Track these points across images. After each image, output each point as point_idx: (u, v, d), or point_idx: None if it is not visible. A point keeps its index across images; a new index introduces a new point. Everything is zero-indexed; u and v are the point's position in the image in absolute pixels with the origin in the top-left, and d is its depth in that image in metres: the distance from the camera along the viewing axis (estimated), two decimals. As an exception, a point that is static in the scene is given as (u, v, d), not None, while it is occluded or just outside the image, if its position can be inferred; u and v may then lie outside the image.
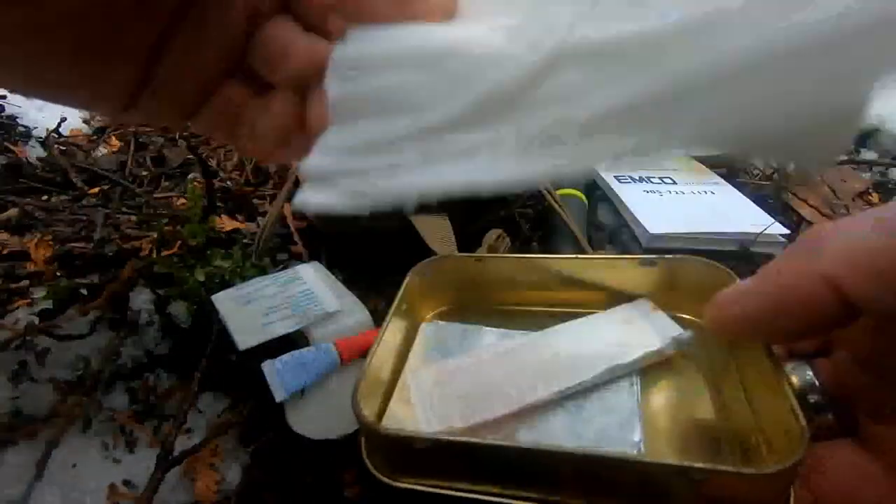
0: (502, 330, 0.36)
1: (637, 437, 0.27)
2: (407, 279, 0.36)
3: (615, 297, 0.36)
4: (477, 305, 0.39)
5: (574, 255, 0.43)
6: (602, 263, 0.38)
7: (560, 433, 0.28)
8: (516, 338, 0.35)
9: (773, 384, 0.25)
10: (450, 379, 0.31)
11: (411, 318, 0.37)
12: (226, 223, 0.53)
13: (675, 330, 0.32)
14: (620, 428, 0.28)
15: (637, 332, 0.33)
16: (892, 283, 0.18)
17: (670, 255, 0.36)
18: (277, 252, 0.53)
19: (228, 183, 0.60)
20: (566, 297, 0.37)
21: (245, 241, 0.53)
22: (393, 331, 0.33)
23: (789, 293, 0.21)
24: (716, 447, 0.27)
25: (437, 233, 0.46)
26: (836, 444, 0.24)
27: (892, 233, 0.19)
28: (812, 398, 0.25)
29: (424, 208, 0.47)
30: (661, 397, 0.30)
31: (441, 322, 0.37)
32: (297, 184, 0.46)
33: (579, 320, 0.35)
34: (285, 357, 0.40)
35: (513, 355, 0.32)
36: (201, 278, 0.46)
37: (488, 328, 0.36)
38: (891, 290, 0.19)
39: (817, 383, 0.25)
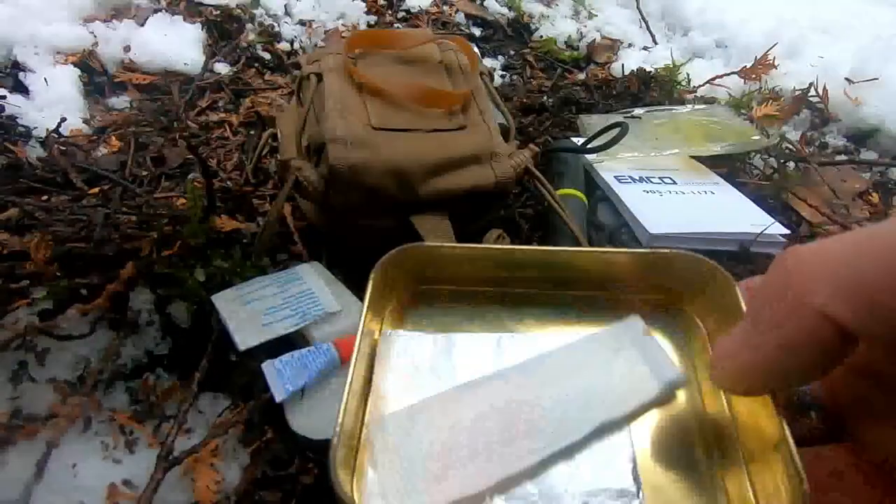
0: (472, 334, 0.33)
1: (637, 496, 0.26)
2: (367, 296, 0.32)
3: (584, 282, 0.35)
4: (439, 292, 0.36)
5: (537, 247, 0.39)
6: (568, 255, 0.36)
7: (555, 492, 0.26)
8: (490, 363, 0.31)
9: (773, 439, 0.24)
10: (424, 443, 0.28)
11: (375, 322, 0.34)
12: (226, 223, 0.53)
13: (670, 370, 0.30)
14: (618, 489, 0.26)
15: (629, 371, 0.31)
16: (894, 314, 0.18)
17: (649, 250, 0.35)
18: (277, 252, 0.53)
19: (228, 183, 0.60)
20: (534, 276, 0.35)
21: (245, 241, 0.53)
22: (360, 365, 0.29)
23: (793, 338, 0.20)
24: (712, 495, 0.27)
25: (437, 232, 0.46)
26: (823, 447, 0.24)
27: (882, 259, 0.18)
28: (798, 398, 0.25)
29: (425, 208, 0.47)
30: (653, 442, 0.29)
31: (404, 332, 0.33)
32: (297, 184, 0.46)
33: (565, 348, 0.32)
34: (285, 357, 0.40)
35: (492, 411, 0.29)
36: (201, 278, 0.46)
37: (457, 333, 0.33)
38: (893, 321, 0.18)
39: (806, 387, 0.25)
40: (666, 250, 0.34)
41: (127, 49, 0.79)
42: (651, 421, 0.29)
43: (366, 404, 0.29)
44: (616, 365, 0.31)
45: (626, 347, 0.32)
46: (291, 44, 0.91)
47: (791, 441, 0.23)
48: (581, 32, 1.07)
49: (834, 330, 0.19)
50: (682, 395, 0.31)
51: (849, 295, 0.19)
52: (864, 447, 0.23)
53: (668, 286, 0.35)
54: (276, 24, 0.92)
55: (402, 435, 0.28)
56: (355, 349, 0.28)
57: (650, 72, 0.91)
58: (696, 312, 0.34)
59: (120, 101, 0.74)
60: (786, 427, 0.24)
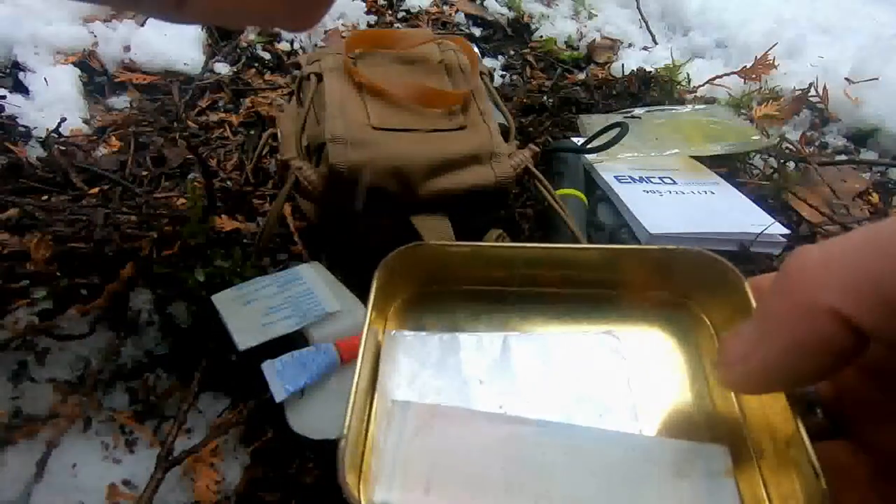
0: (478, 334, 0.33)
1: None
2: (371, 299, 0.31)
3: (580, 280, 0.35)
4: (443, 291, 0.35)
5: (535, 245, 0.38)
6: (565, 252, 0.36)
7: None
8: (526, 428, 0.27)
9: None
10: (431, 447, 0.26)
11: (379, 322, 0.33)
12: (226, 223, 0.53)
13: None
14: None
15: None
16: None
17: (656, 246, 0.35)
18: (277, 252, 0.53)
19: (228, 183, 0.60)
20: (539, 274, 0.35)
21: (245, 241, 0.53)
22: (366, 366, 0.28)
23: (806, 339, 0.20)
24: None
25: (438, 233, 0.46)
26: (827, 444, 0.24)
27: (892, 256, 0.18)
28: (802, 395, 0.25)
29: (425, 208, 0.47)
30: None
31: (409, 332, 0.33)
32: (297, 184, 0.46)
33: (622, 437, 0.28)
34: (285, 357, 0.40)
35: (511, 461, 0.26)
36: (201, 278, 0.46)
37: (462, 333, 0.33)
38: None
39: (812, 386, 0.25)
40: (672, 247, 0.34)
41: (127, 49, 0.79)
42: (659, 418, 0.29)
43: (371, 405, 0.29)
44: (670, 492, 0.25)
45: (694, 477, 0.26)
46: (291, 44, 0.91)
47: (808, 441, 0.23)
48: (581, 32, 1.07)
49: (847, 329, 0.19)
50: (689, 392, 0.30)
51: (861, 294, 0.19)
52: (866, 447, 0.23)
53: (675, 282, 0.34)
54: (276, 24, 0.92)
55: (417, 427, 0.27)
56: (360, 349, 0.28)
57: (650, 72, 0.91)
58: (703, 309, 0.34)
59: (120, 101, 0.74)
60: (801, 428, 0.23)
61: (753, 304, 0.29)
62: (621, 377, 0.30)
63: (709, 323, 0.33)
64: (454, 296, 0.35)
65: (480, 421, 0.28)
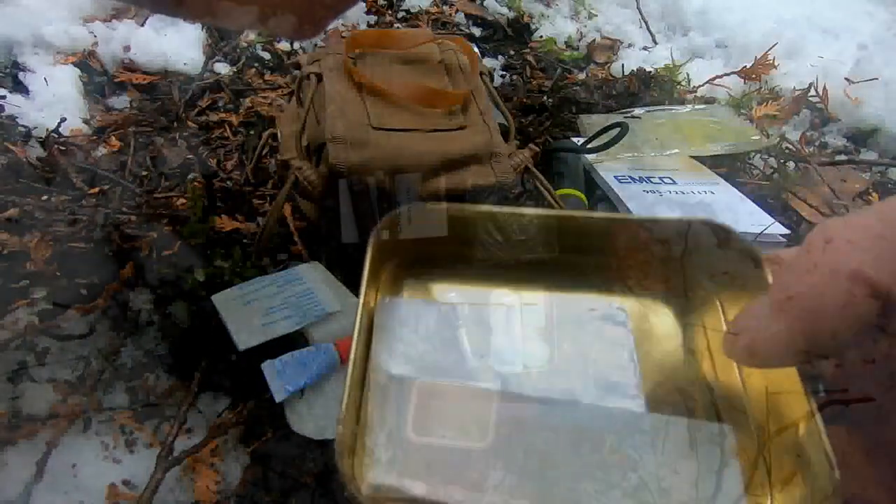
0: (478, 304, 0.31)
1: None
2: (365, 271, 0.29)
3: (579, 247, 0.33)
4: (442, 256, 0.34)
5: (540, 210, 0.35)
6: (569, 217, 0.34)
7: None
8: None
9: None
10: (434, 430, 0.26)
11: (372, 291, 0.31)
12: (226, 223, 0.53)
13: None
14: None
15: (699, 476, 0.26)
16: None
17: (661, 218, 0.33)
18: (277, 252, 0.53)
19: (228, 183, 0.60)
20: (543, 241, 0.34)
21: (245, 241, 0.53)
22: (361, 342, 0.27)
23: (827, 302, 0.20)
24: None
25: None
26: (829, 428, 0.24)
27: None
28: (808, 379, 0.25)
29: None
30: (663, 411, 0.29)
31: (407, 300, 0.31)
32: (296, 184, 0.46)
33: (627, 434, 0.27)
34: (285, 357, 0.40)
35: (510, 443, 0.26)
36: (201, 278, 0.46)
37: (464, 304, 0.31)
38: None
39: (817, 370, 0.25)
40: (680, 218, 0.32)
41: (127, 49, 0.79)
42: (664, 394, 0.29)
43: (366, 379, 0.28)
44: (674, 473, 0.26)
45: (698, 456, 0.26)
46: (291, 44, 0.91)
47: (823, 430, 0.23)
48: (581, 32, 1.07)
49: (868, 292, 0.19)
50: (695, 369, 0.30)
51: (883, 258, 0.19)
52: (867, 435, 0.23)
53: (683, 254, 0.33)
54: (276, 24, 0.92)
55: (416, 407, 0.27)
56: (357, 321, 0.27)
57: (650, 72, 0.91)
58: (711, 282, 0.32)
59: (120, 101, 0.74)
60: (818, 415, 0.23)
61: (769, 278, 0.27)
62: (626, 352, 0.30)
63: (717, 299, 0.32)
64: (452, 262, 0.34)
65: (481, 401, 0.27)
